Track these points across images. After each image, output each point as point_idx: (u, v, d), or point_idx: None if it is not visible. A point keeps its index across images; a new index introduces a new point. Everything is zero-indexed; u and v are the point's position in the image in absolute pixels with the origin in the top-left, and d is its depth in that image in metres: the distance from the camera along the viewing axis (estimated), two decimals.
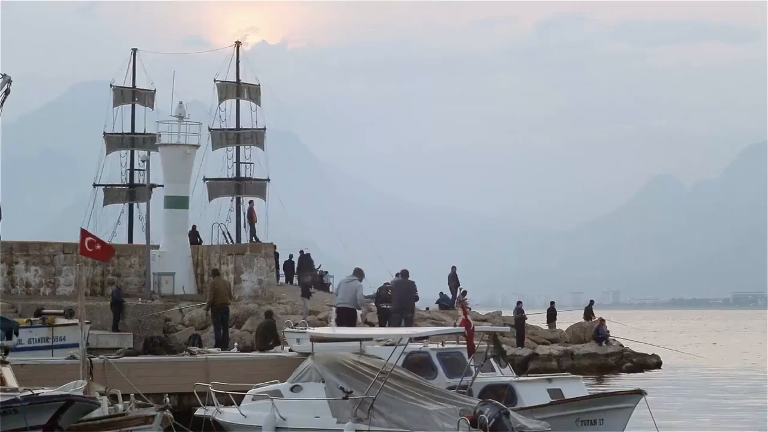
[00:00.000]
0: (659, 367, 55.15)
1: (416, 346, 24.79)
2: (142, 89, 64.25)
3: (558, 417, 22.51)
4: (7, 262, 51.56)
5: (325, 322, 40.83)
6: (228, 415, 23.77)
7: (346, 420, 21.63)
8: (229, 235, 59.03)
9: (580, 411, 22.86)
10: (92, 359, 24.61)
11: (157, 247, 54.84)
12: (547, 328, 56.80)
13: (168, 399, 23.48)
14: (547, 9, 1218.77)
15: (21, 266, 52.00)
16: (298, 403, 22.59)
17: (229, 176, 61.97)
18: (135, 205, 63.03)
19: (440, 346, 25.43)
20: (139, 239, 60.56)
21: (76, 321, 35.09)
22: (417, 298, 33.28)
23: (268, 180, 61.77)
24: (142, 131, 62.96)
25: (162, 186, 59.99)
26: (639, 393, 23.19)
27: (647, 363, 54.66)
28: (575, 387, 24.33)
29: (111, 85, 63.97)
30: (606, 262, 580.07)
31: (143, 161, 56.49)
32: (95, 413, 21.18)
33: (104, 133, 62.85)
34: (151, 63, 65.12)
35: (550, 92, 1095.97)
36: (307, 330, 30.07)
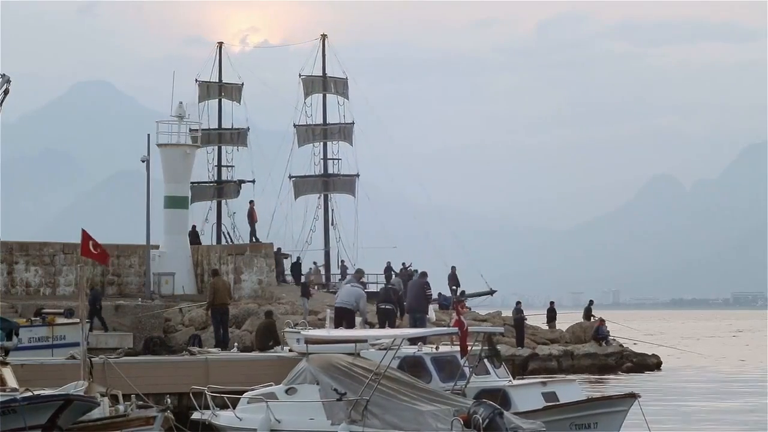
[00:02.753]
0: (659, 368, 55.23)
1: (410, 350, 24.74)
2: (229, 83, 63.31)
3: (551, 421, 22.57)
4: (7, 262, 51.63)
5: (324, 322, 40.97)
6: (224, 418, 23.88)
7: (341, 421, 21.73)
8: (229, 235, 58.91)
9: (574, 415, 22.93)
10: (92, 359, 24.72)
11: (158, 247, 54.91)
12: (547, 328, 56.89)
13: (169, 400, 23.61)
14: (547, 9, 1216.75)
15: (21, 266, 52.04)
16: (293, 405, 22.68)
17: (316, 173, 61.01)
18: (223, 202, 62.17)
19: (434, 350, 25.45)
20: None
21: (76, 320, 35.25)
22: (430, 299, 33.22)
23: (358, 176, 60.79)
24: (230, 126, 61.75)
25: (252, 182, 59.37)
26: (633, 396, 23.25)
27: (647, 363, 54.70)
28: (570, 390, 24.34)
29: (196, 80, 62.87)
30: (606, 262, 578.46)
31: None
32: (95, 414, 21.28)
33: (190, 129, 58.65)
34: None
35: (550, 92, 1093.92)
36: (302, 332, 30.20)
